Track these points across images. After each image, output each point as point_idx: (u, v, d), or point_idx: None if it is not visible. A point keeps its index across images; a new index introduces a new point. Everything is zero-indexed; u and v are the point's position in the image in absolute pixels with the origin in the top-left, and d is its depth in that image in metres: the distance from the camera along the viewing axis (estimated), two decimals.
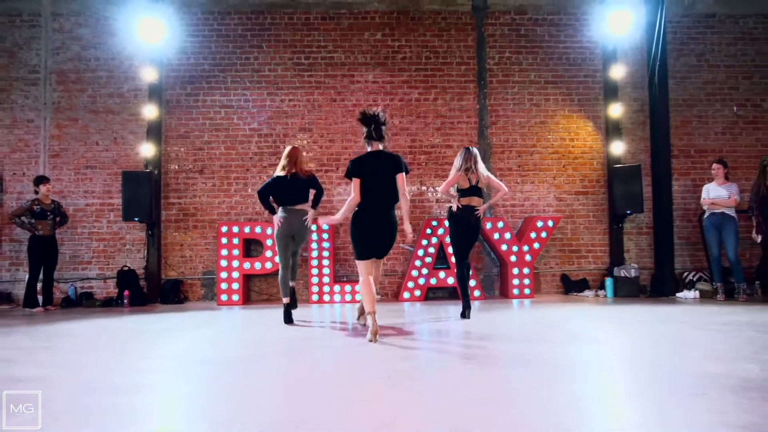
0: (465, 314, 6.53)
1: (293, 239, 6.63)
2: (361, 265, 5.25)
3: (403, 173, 5.25)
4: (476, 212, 6.60)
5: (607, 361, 4.10)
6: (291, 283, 6.70)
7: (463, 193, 6.67)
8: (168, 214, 9.57)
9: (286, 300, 6.54)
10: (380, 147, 5.33)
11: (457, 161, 6.70)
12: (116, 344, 5.28)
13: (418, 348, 4.79)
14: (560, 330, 5.67)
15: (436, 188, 9.64)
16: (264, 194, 6.61)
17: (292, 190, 6.54)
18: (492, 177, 6.74)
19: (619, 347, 4.76)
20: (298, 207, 6.55)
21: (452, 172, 6.71)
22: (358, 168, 5.23)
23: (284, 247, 6.58)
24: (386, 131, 5.40)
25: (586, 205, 9.90)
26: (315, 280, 8.95)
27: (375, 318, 5.02)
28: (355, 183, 5.20)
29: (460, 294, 6.82)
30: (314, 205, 6.79)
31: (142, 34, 9.00)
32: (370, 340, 4.89)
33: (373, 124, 5.30)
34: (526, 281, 9.06)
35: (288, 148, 6.77)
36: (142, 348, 5.01)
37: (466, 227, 6.63)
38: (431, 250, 9.06)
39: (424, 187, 9.72)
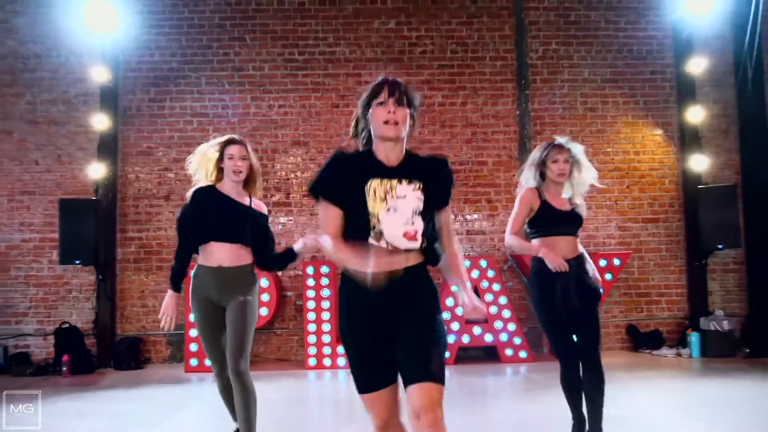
0: None
1: (222, 322, 3.62)
2: None
3: None
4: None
5: None
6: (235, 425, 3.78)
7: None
8: (125, 253, 7.51)
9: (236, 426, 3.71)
10: None
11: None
12: None
13: None
14: None
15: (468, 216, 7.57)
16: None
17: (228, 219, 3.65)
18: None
19: None
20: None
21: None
22: None
23: (208, 336, 3.68)
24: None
25: (657, 236, 7.77)
26: (312, 339, 6.86)
27: None
28: None
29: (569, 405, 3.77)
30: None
31: (92, 24, 7.01)
32: None
33: None
34: None
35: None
36: None
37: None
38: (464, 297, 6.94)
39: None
